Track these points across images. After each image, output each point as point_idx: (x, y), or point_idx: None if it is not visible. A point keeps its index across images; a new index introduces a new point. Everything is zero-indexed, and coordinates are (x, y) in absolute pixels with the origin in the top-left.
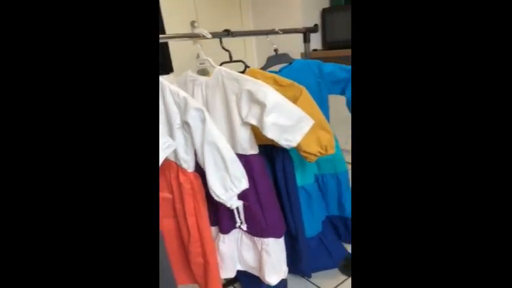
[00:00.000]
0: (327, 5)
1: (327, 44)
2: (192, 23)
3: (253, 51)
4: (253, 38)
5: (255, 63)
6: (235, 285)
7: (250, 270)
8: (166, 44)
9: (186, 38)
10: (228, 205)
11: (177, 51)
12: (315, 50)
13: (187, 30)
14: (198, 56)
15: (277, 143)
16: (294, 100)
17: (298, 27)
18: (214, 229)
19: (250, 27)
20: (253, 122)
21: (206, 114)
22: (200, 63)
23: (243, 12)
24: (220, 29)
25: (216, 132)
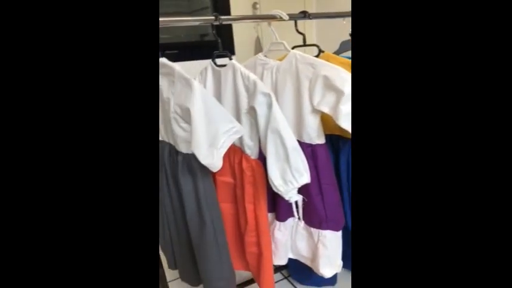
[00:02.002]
0: None
1: None
2: (254, 5)
3: (313, 36)
4: (313, 23)
5: None
6: (282, 271)
7: (301, 260)
8: (230, 26)
9: (260, 20)
10: (286, 198)
11: (239, 33)
12: None
13: (249, 12)
14: (256, 40)
15: (347, 134)
16: None
17: None
18: (270, 215)
19: (313, 10)
20: (326, 110)
21: (273, 99)
22: (273, 47)
23: None
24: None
25: (281, 120)
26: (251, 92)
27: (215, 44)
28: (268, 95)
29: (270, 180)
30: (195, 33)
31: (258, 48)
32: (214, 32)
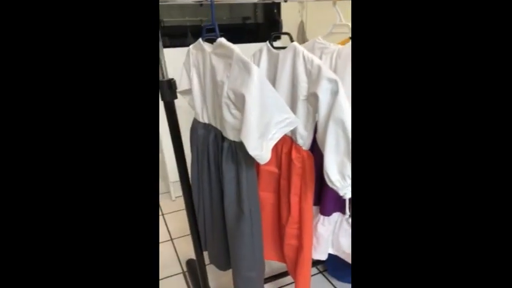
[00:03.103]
0: None
1: None
2: None
3: None
4: None
5: None
6: (318, 266)
7: (342, 256)
8: (278, 4)
9: None
10: (341, 194)
11: (283, 17)
12: None
13: None
14: (300, 24)
15: None
16: None
17: None
18: (314, 209)
19: None
20: None
21: (340, 86)
22: (335, 29)
23: None
24: None
25: (347, 109)
26: (314, 78)
27: (256, 28)
28: (334, 82)
29: (325, 174)
30: (238, 16)
31: (301, 32)
32: (276, 11)
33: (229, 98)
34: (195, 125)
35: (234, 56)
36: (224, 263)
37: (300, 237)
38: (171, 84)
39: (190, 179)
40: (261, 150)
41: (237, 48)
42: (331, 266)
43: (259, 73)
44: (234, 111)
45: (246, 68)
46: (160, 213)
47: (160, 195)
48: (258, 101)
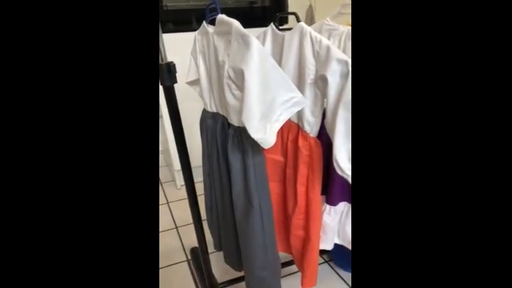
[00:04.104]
0: None
1: None
2: None
3: None
4: None
5: None
6: (323, 256)
7: (348, 246)
8: None
9: None
10: (351, 182)
11: (291, 1)
12: None
13: None
14: (309, 8)
15: None
16: None
17: None
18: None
19: None
20: None
21: (351, 68)
22: (344, 10)
23: None
24: None
25: None
26: (322, 59)
27: (263, 12)
28: (344, 63)
29: (335, 162)
30: (244, 0)
31: (310, 17)
32: None
33: (229, 77)
34: (204, 115)
35: (233, 31)
36: (237, 262)
37: (306, 227)
38: (170, 67)
39: (203, 172)
40: (264, 133)
41: (237, 22)
42: (337, 256)
43: (259, 46)
44: (236, 92)
45: (244, 42)
46: (165, 201)
47: (165, 184)
48: (258, 77)
